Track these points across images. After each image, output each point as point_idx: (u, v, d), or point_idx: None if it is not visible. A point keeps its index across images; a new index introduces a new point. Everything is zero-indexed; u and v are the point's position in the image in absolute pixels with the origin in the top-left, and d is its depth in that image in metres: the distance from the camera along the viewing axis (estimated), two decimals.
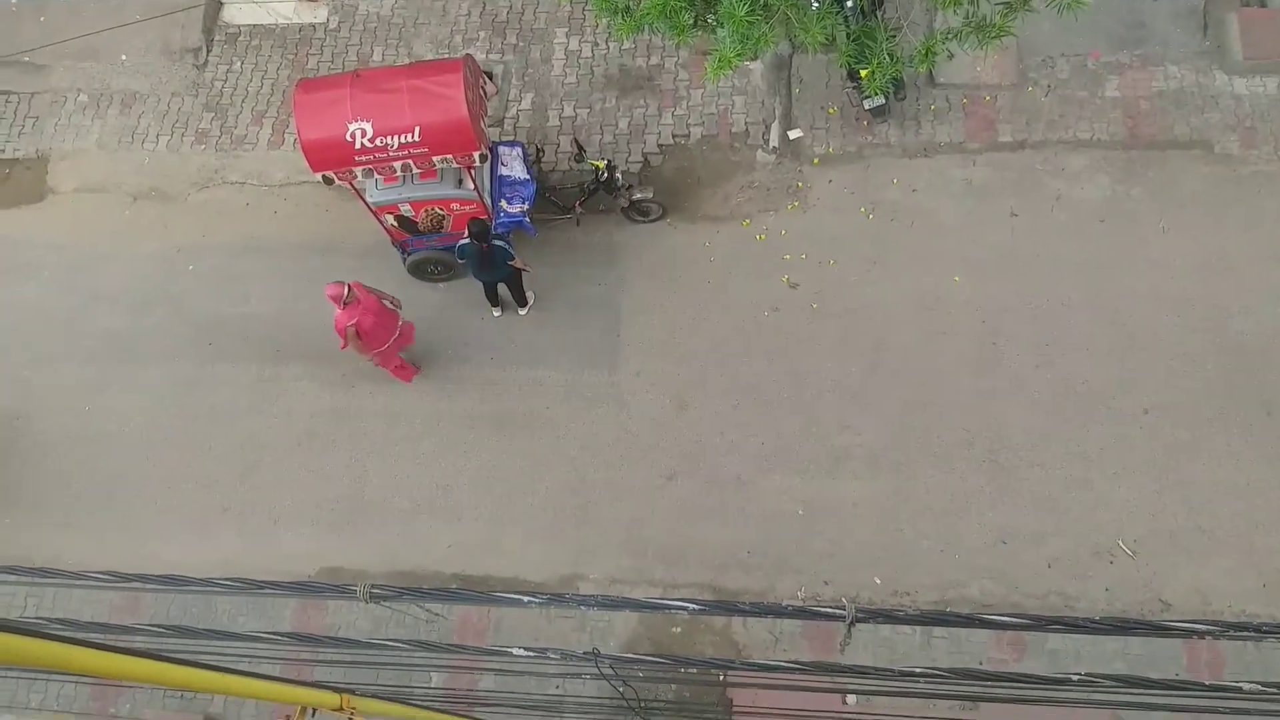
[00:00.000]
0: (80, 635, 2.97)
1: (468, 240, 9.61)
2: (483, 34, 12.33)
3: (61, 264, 11.91)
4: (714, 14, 7.53)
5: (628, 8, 7.69)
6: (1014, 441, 9.54)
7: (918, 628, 8.70)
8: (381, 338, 9.72)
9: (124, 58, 12.90)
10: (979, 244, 10.42)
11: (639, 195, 10.77)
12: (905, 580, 9.20)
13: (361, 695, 3.94)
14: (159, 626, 6.35)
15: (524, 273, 10.25)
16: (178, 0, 12.74)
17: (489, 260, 9.75)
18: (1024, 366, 9.83)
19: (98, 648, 2.64)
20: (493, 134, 11.37)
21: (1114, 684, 4.25)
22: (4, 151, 12.81)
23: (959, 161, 10.86)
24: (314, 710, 3.34)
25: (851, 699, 8.36)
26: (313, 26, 12.77)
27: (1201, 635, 6.44)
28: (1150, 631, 4.45)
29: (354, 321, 9.33)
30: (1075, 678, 4.15)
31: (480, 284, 10.47)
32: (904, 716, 5.83)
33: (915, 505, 9.45)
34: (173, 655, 3.47)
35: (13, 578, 8.98)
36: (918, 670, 4.78)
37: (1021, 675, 4.50)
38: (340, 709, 3.52)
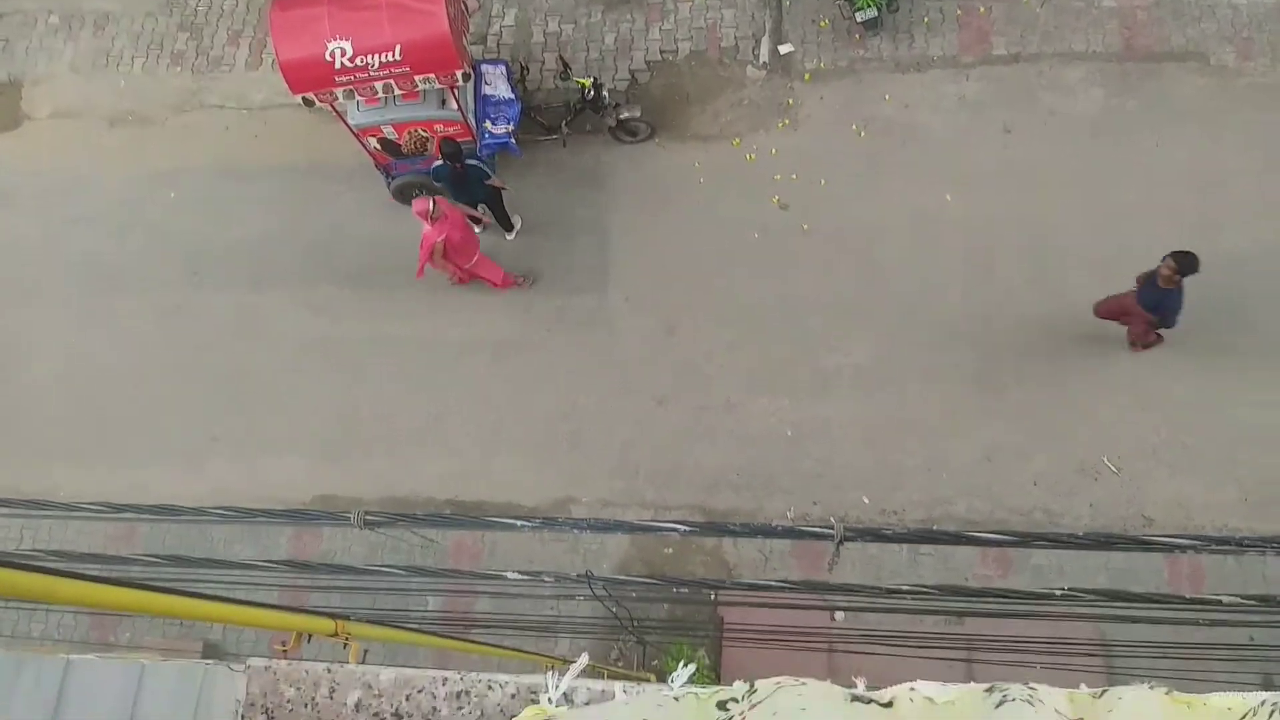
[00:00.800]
0: (72, 567, 2.98)
1: (441, 162, 9.42)
2: None
3: (38, 191, 11.69)
4: None
5: None
6: (1002, 359, 9.55)
7: (905, 545, 8.83)
8: (470, 251, 9.70)
9: None
10: (972, 160, 10.27)
11: (626, 114, 10.55)
12: (893, 499, 9.32)
13: (357, 621, 3.99)
14: (154, 557, 6.40)
15: (503, 192, 10.07)
16: None
17: (464, 181, 9.58)
18: (1014, 282, 9.79)
19: (87, 579, 2.64)
20: (475, 52, 11.08)
21: (1097, 598, 4.33)
22: None
23: (952, 76, 10.63)
24: (309, 636, 3.37)
25: (840, 616, 8.54)
26: None
27: (1183, 549, 6.57)
28: (1133, 546, 4.53)
29: (443, 236, 9.23)
30: (1059, 592, 4.22)
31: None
32: (892, 632, 5.95)
33: (903, 425, 9.51)
34: (168, 585, 3.48)
35: (6, 510, 9.04)
36: (905, 587, 4.86)
37: (1006, 591, 4.59)
38: (335, 635, 3.55)
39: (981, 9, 10.74)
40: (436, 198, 9.21)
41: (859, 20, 10.59)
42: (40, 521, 9.96)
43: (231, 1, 12.14)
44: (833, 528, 4.61)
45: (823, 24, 10.95)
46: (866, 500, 9.36)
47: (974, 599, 4.95)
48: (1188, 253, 7.83)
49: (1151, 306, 8.44)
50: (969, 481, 9.28)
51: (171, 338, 10.83)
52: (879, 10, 10.42)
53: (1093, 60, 10.43)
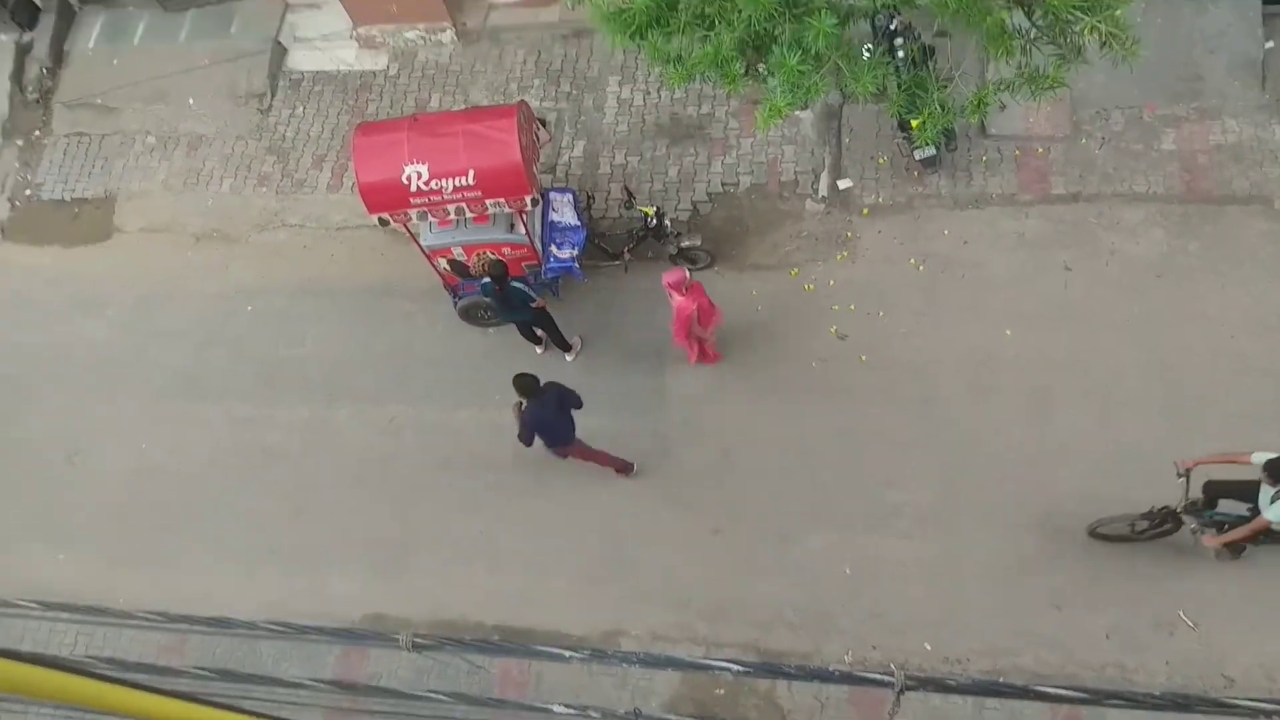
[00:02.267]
0: (124, 675, 3.00)
1: (487, 280, 9.70)
2: (537, 82, 12.54)
3: (126, 301, 12.25)
4: (765, 63, 7.59)
5: (680, 57, 7.78)
6: (1067, 504, 9.27)
7: (969, 698, 8.44)
8: (714, 317, 9.84)
9: (192, 101, 13.32)
10: (1031, 297, 10.26)
11: (687, 242, 10.81)
12: (956, 646, 8.96)
13: None
14: (204, 670, 6.39)
15: (546, 314, 10.27)
16: (245, 46, 13.19)
17: (508, 300, 9.84)
18: (1077, 424, 9.61)
19: (141, 689, 2.66)
20: (545, 180, 11.52)
21: None
22: (75, 191, 13.26)
23: (1011, 213, 10.74)
24: None
25: None
26: (373, 73, 13.10)
27: (1268, 715, 6.17)
28: (1213, 709, 4.29)
29: (695, 305, 9.37)
30: None
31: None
32: None
33: (966, 567, 9.23)
34: (217, 699, 3.48)
35: (65, 615, 9.13)
36: None
37: None
38: None
39: (1039, 149, 10.92)
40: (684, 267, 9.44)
41: (918, 158, 10.82)
42: (94, 628, 10.05)
43: (318, 128, 12.86)
44: (893, 675, 4.45)
45: (881, 161, 11.22)
46: (928, 646, 9.01)
47: None
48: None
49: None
50: (1037, 631, 8.90)
51: (240, 448, 11.08)
52: (937, 149, 10.64)
53: (1153, 202, 10.47)
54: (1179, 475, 7.83)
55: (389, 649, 8.54)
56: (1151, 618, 8.79)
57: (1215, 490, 8.03)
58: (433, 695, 5.98)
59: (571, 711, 5.74)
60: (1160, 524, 8.42)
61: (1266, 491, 7.36)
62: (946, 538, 9.36)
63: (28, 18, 14.20)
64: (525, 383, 8.72)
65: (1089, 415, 9.63)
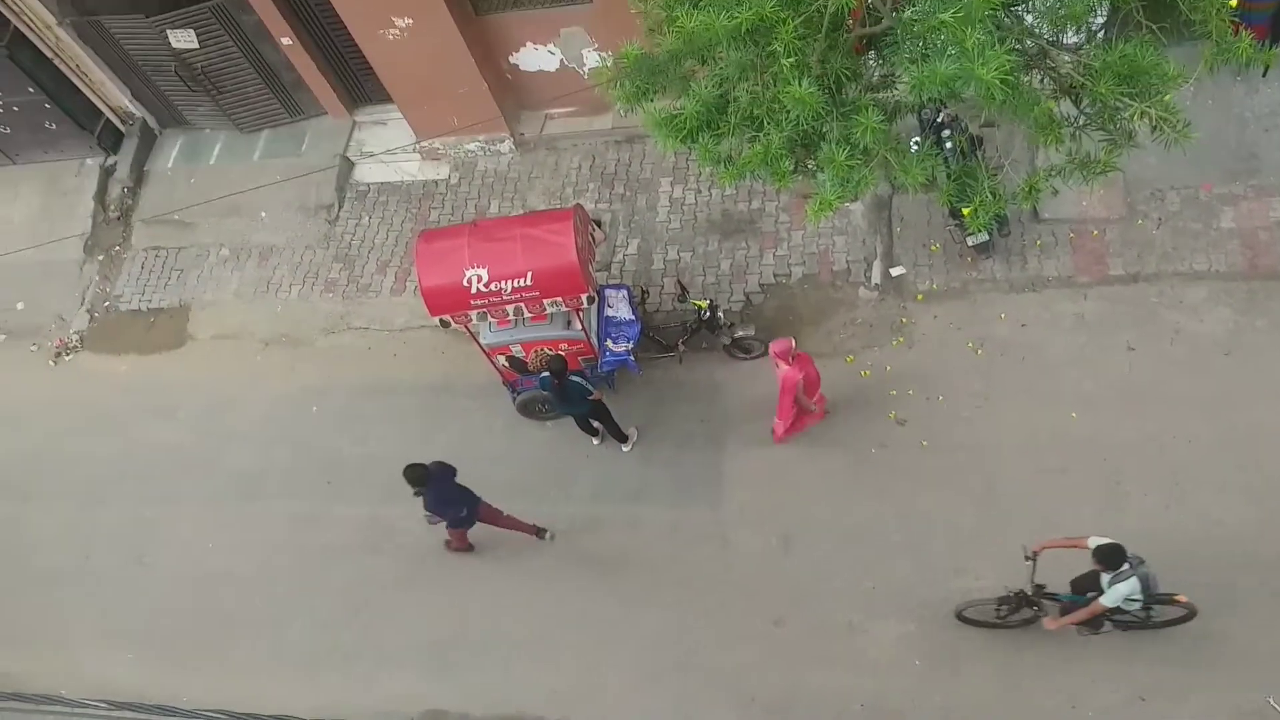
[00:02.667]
0: None
1: (546, 375, 9.86)
2: (592, 185, 12.96)
3: (197, 405, 12.66)
4: (814, 160, 7.73)
5: (730, 157, 7.96)
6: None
7: None
8: (817, 385, 9.90)
9: (264, 214, 13.99)
10: (1095, 379, 10.10)
11: (741, 333, 10.91)
12: None
13: None
14: None
15: (602, 406, 10.37)
16: (314, 162, 13.88)
17: (566, 394, 9.96)
18: (1152, 507, 9.32)
19: None
20: (600, 277, 11.78)
21: None
22: (151, 301, 13.90)
23: (1069, 296, 10.67)
24: None
25: None
26: (435, 182, 13.66)
27: None
28: None
29: (803, 374, 9.47)
30: None
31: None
32: None
33: (1042, 657, 8.84)
34: None
35: (131, 714, 9.23)
36: None
37: None
38: None
39: (1094, 231, 10.90)
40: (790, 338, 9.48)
41: (970, 244, 10.86)
42: None
43: (382, 236, 13.38)
44: None
45: (934, 248, 11.28)
46: None
47: None
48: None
49: None
50: None
51: (302, 546, 11.23)
52: (990, 234, 10.67)
53: (1215, 279, 10.34)
54: (1026, 558, 8.12)
55: None
56: (1238, 705, 8.32)
57: (1082, 584, 8.24)
58: None
59: None
60: (1017, 608, 8.54)
61: (1104, 577, 7.68)
62: (1018, 627, 9.02)
63: (112, 142, 15.18)
64: (415, 474, 9.23)
65: (1164, 498, 9.33)
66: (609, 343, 10.65)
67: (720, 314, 10.85)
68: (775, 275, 11.66)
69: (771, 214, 12.06)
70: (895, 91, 7.85)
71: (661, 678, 9.60)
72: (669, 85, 7.83)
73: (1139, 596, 7.73)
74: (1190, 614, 8.25)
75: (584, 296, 9.86)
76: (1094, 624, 8.29)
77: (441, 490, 9.51)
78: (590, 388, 10.12)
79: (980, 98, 7.17)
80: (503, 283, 9.71)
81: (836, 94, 7.26)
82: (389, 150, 13.40)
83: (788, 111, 7.04)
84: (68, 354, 13.79)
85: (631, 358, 10.64)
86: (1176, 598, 8.04)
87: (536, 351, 10.62)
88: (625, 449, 10.94)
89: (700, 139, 7.62)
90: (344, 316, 12.89)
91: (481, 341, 10.61)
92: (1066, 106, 7.32)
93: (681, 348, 11.04)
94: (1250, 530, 9.03)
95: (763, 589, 9.80)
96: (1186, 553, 8.99)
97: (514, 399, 11.04)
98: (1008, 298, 10.81)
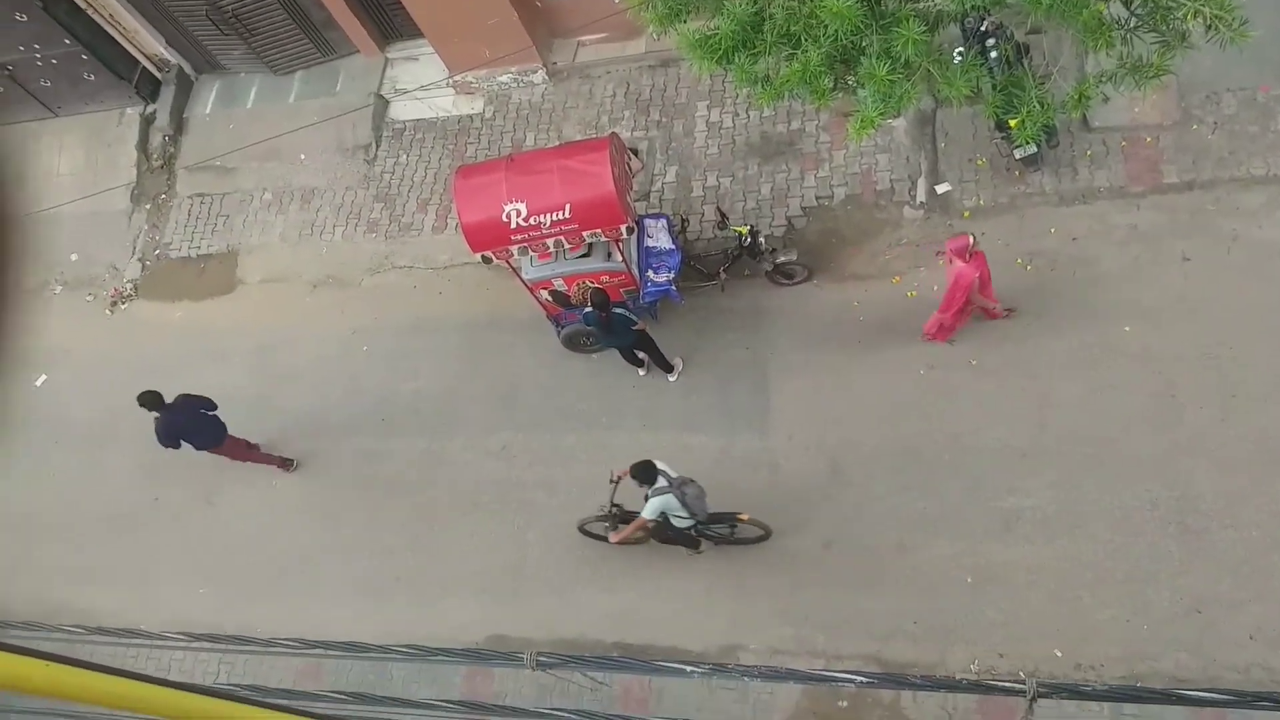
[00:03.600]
0: (273, 701, 3.19)
1: (590, 309, 9.88)
2: (627, 113, 12.79)
3: (250, 349, 12.93)
4: (854, 76, 7.57)
5: (767, 76, 7.81)
6: (1203, 501, 8.86)
7: (1106, 704, 8.10)
8: (990, 284, 9.54)
9: (303, 157, 14.05)
10: (1149, 291, 9.88)
11: (783, 258, 10.81)
12: (1089, 653, 8.63)
13: None
14: (340, 693, 6.69)
15: (647, 337, 10.40)
16: (349, 101, 13.86)
17: (611, 327, 10.00)
18: (1208, 420, 9.19)
19: (301, 714, 2.84)
20: (639, 207, 11.70)
21: None
22: (200, 248, 14.12)
23: (1121, 206, 10.39)
24: None
25: None
26: (470, 117, 13.59)
27: None
28: None
29: (979, 272, 9.17)
30: None
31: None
32: None
33: (1095, 572, 8.89)
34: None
35: (209, 645, 9.67)
36: None
37: None
38: None
39: (1148, 139, 10.55)
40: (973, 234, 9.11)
41: (1018, 157, 10.57)
42: (235, 657, 10.57)
43: (421, 174, 13.39)
44: (1024, 683, 4.36)
45: (980, 162, 11.01)
46: (1059, 654, 8.69)
47: None
48: None
49: None
50: (1175, 634, 8.50)
51: (364, 481, 11.54)
52: (1038, 146, 10.37)
53: (1274, 184, 9.98)
54: (610, 481, 9.04)
55: (513, 668, 8.75)
56: None
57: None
58: (557, 713, 6.11)
59: None
60: (614, 523, 9.28)
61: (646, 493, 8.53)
62: (1072, 542, 9.04)
63: (150, 90, 15.28)
64: (147, 398, 10.26)
65: (1220, 410, 9.19)
66: (650, 273, 10.63)
67: (762, 239, 10.74)
68: (817, 198, 11.49)
69: (812, 134, 11.83)
70: (936, 0, 7.61)
71: (715, 600, 9.81)
72: (702, 5, 7.67)
73: (682, 513, 8.64)
74: (765, 534, 9.42)
75: (623, 227, 9.82)
76: (689, 542, 9.42)
77: (176, 420, 10.50)
78: (634, 319, 10.14)
79: (1025, 2, 6.94)
80: (541, 216, 9.69)
81: (875, 6, 7.06)
82: (422, 86, 13.32)
83: (825, 26, 6.88)
84: (123, 303, 14.12)
85: (673, 287, 10.62)
86: (739, 516, 9.13)
87: (578, 285, 10.64)
88: (671, 379, 10.99)
89: (736, 59, 7.49)
90: (388, 256, 13.01)
91: (524, 276, 10.66)
92: (1116, 8, 7.05)
93: (723, 275, 10.98)
94: None
95: (812, 513, 9.90)
96: (1246, 462, 8.90)
97: (558, 333, 11.12)
98: (1057, 211, 10.55)
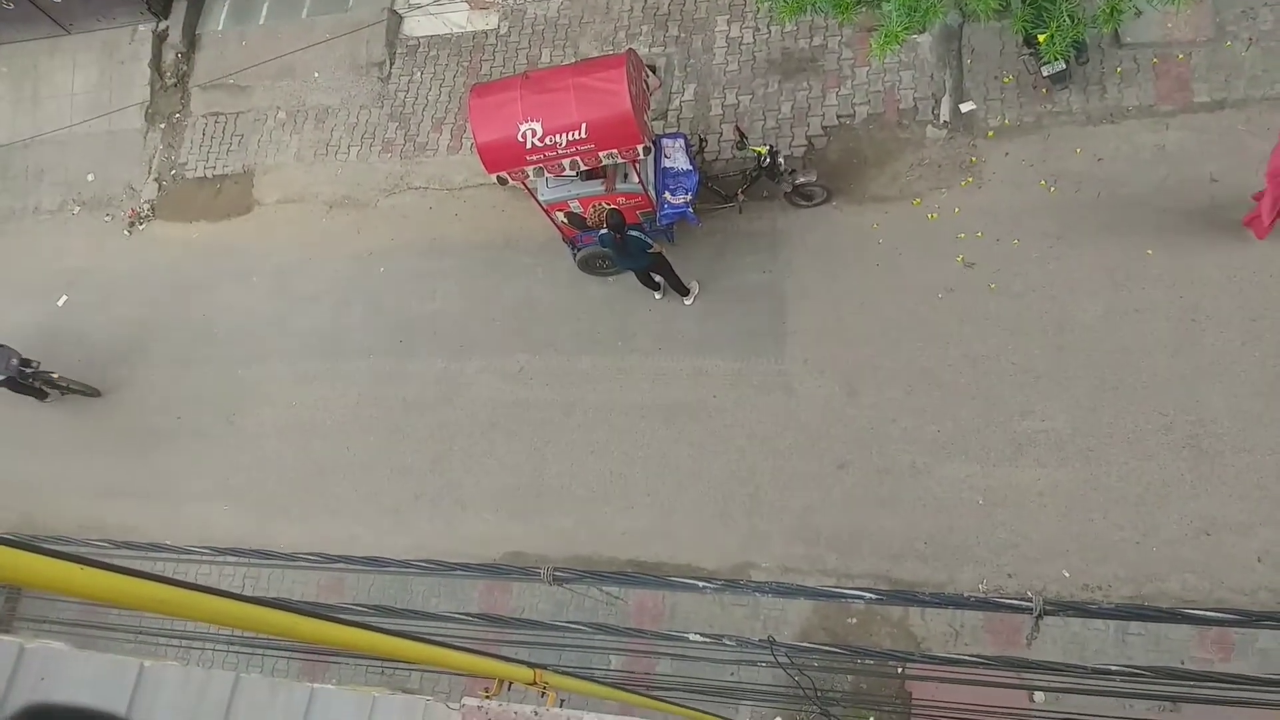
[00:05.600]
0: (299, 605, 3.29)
1: (605, 231, 9.82)
2: (645, 28, 12.50)
3: (269, 270, 12.98)
4: None
5: None
6: (1218, 425, 8.85)
7: (1111, 623, 8.24)
8: None
9: (316, 75, 13.87)
10: (1174, 213, 9.70)
11: (802, 179, 10.65)
12: (1096, 573, 8.74)
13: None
14: (363, 605, 6.89)
15: (663, 259, 10.35)
16: (362, 17, 13.61)
17: (626, 249, 9.95)
18: (1228, 344, 9.11)
19: (325, 619, 2.93)
20: (656, 126, 11.52)
21: None
22: (215, 168, 14.07)
23: (1150, 126, 10.14)
24: (509, 684, 3.56)
25: (1039, 696, 8.04)
26: (484, 34, 13.32)
27: None
28: None
29: None
30: None
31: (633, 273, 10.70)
32: (1098, 716, 5.55)
33: (1107, 494, 8.95)
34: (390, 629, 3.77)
35: (233, 559, 9.93)
36: (1114, 668, 4.56)
37: (1229, 675, 4.23)
38: (534, 683, 3.74)
39: (1180, 55, 10.23)
40: None
41: (1046, 74, 10.29)
42: (259, 570, 10.87)
43: (435, 93, 13.21)
44: (1031, 600, 4.42)
45: (1006, 80, 10.73)
46: (1067, 574, 8.81)
47: (1192, 683, 4.58)
48: None
49: None
50: (1183, 556, 8.59)
51: (381, 400, 11.69)
52: (1067, 63, 10.09)
53: None
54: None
55: (530, 583, 8.98)
56: None
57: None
58: (574, 625, 6.28)
59: (707, 639, 5.93)
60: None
61: None
62: (1085, 465, 9.07)
63: (162, 6, 15.04)
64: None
65: (1240, 334, 9.10)
66: (667, 195, 10.51)
67: (781, 160, 10.57)
68: (839, 116, 11.26)
69: (834, 51, 11.53)
70: None
71: (729, 519, 9.96)
72: None
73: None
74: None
75: (640, 147, 9.68)
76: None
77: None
78: (649, 241, 10.08)
79: None
80: (557, 136, 9.56)
81: None
82: (436, 1, 13.04)
83: None
84: (141, 223, 14.14)
85: (690, 209, 10.51)
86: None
87: (594, 206, 10.55)
88: (687, 302, 10.97)
89: None
90: (403, 176, 12.92)
91: (539, 198, 10.57)
92: None
93: (741, 197, 10.85)
94: None
95: (827, 435, 9.96)
96: (1265, 387, 8.85)
97: (574, 255, 11.07)
98: (1084, 130, 10.31)
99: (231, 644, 9.61)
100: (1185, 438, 8.92)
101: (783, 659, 6.09)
